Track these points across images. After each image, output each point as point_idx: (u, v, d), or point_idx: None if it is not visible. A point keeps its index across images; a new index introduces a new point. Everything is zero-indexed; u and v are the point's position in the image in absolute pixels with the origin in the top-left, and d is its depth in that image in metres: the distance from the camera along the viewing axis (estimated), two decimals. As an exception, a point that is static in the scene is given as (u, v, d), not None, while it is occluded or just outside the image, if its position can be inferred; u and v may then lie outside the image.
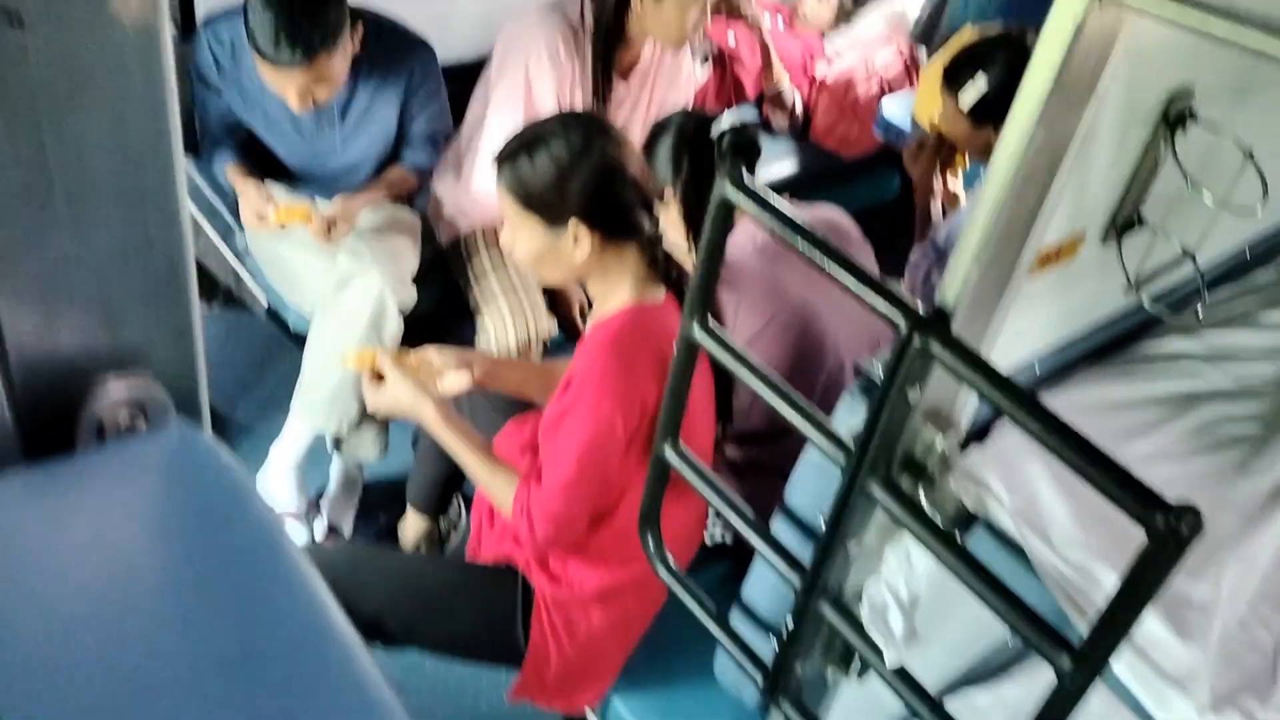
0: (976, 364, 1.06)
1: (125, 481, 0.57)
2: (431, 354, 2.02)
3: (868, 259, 2.33)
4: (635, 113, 2.74)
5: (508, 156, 1.79)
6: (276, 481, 2.48)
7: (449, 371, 2.02)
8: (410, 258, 2.52)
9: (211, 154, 2.52)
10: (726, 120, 2.11)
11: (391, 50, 2.42)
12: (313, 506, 2.50)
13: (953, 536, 1.16)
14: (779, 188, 3.51)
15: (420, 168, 2.60)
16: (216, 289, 3.17)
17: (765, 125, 3.66)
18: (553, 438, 1.75)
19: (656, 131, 2.21)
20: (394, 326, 2.37)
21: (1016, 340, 1.30)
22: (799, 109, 3.63)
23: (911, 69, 3.75)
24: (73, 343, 0.55)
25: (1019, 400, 1.03)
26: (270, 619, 0.52)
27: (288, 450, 2.47)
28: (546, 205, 1.75)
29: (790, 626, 1.39)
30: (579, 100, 2.59)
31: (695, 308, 1.34)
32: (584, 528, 1.80)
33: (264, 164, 2.57)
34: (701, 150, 2.16)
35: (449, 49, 2.85)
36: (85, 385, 0.56)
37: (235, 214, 2.70)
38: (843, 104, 3.61)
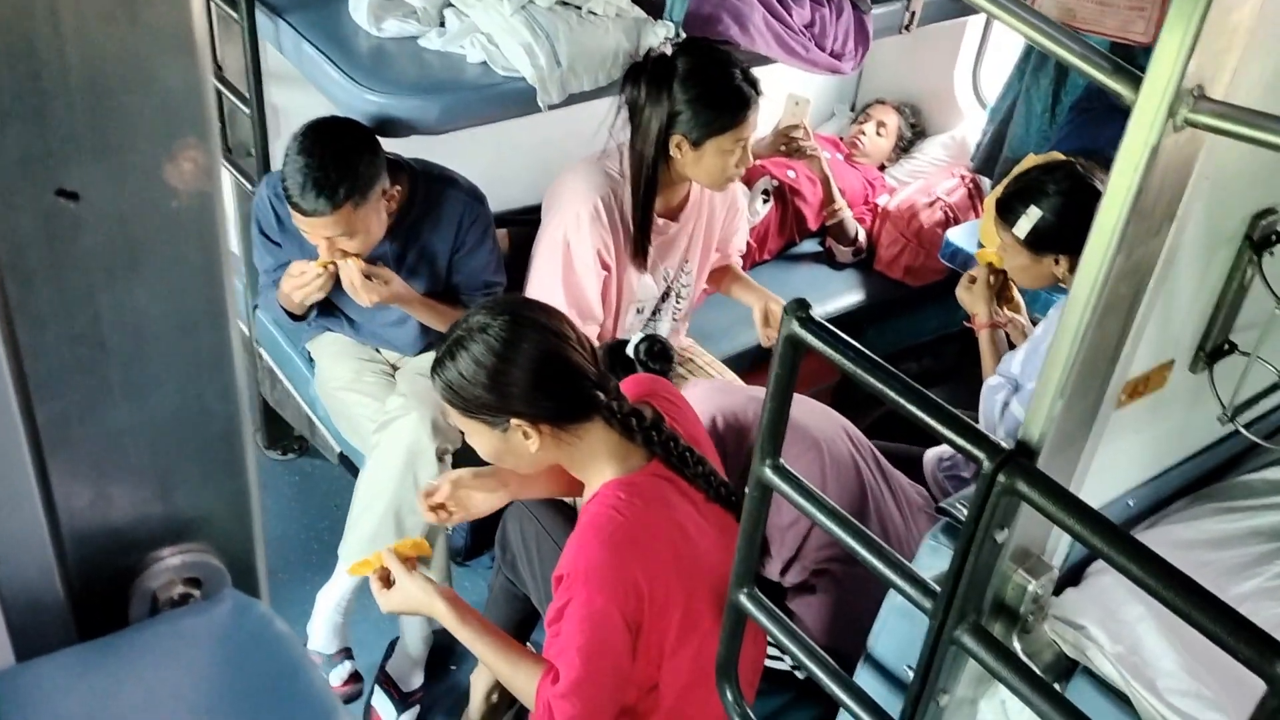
0: (1066, 501, 1.01)
1: (176, 656, 0.54)
2: (465, 475, 1.98)
3: None
4: (694, 245, 2.73)
5: (436, 365, 1.73)
6: (316, 622, 2.45)
7: (485, 493, 1.97)
8: None
9: (264, 297, 2.58)
10: (635, 338, 2.19)
11: (440, 199, 2.43)
12: (342, 653, 2.45)
13: (1051, 686, 1.09)
14: (846, 319, 3.50)
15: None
16: (292, 437, 3.22)
17: (829, 257, 3.66)
18: (555, 636, 1.68)
19: None
20: (430, 470, 2.33)
21: (1107, 474, 1.24)
22: (862, 239, 3.63)
23: (975, 195, 3.75)
24: (126, 515, 0.53)
25: (1115, 539, 0.97)
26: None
27: (331, 593, 2.45)
28: (484, 408, 1.69)
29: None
30: (626, 252, 2.58)
31: (766, 450, 1.30)
32: (614, 691, 1.71)
33: (323, 313, 2.60)
34: (619, 371, 2.17)
35: (506, 193, 2.90)
36: (139, 558, 0.55)
37: (308, 361, 2.75)
38: (906, 232, 3.61)
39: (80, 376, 0.48)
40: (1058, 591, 1.25)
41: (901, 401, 1.13)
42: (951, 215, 3.65)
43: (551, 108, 2.39)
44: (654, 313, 2.76)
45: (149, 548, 0.55)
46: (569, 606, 1.66)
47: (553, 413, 1.70)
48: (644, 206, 2.51)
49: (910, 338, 3.71)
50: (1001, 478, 1.05)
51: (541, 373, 1.68)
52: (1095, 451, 1.15)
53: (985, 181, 3.73)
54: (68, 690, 0.51)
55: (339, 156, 2.14)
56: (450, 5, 2.47)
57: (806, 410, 2.17)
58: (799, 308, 1.23)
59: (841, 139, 3.96)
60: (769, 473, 1.31)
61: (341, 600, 2.41)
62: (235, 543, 0.57)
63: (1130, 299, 1.04)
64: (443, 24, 2.46)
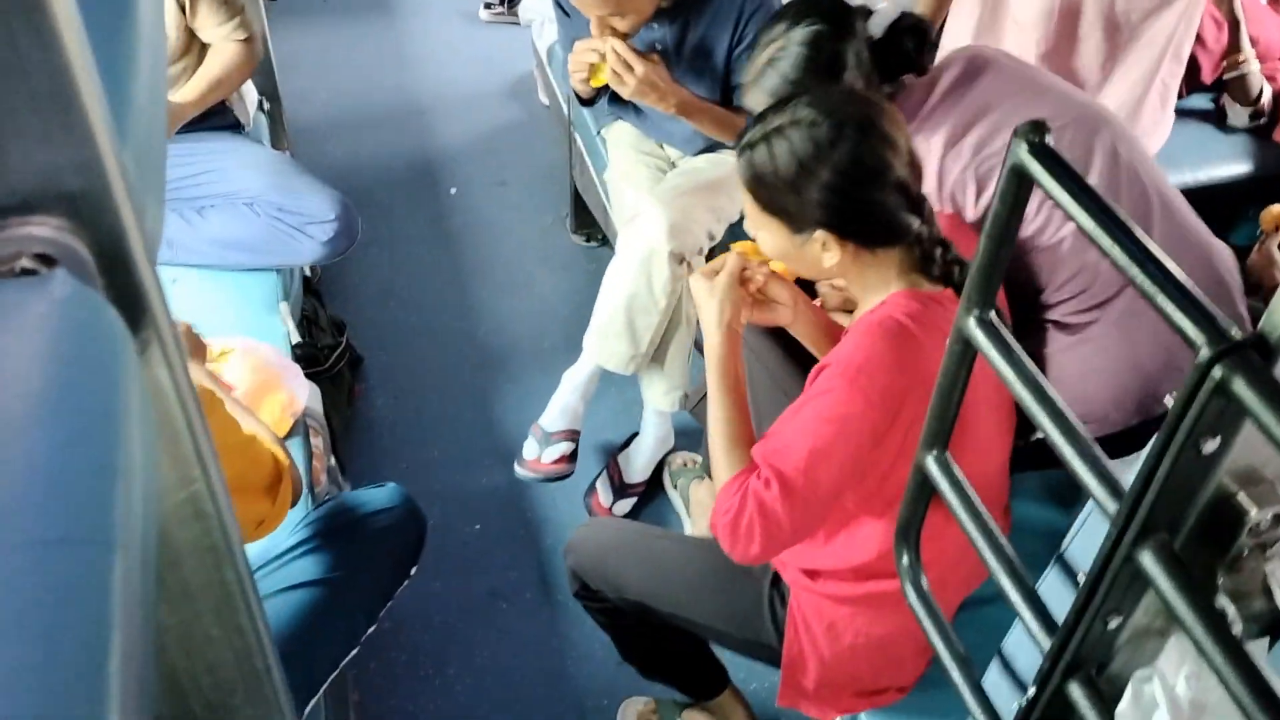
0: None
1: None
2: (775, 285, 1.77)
3: None
4: None
5: (746, 146, 1.56)
6: (554, 398, 2.52)
7: (782, 305, 1.78)
8: (705, 210, 2.39)
9: None
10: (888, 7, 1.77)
11: None
12: (565, 434, 2.49)
13: (1232, 636, 0.87)
14: (1227, 190, 2.99)
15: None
16: (596, 225, 3.25)
17: (1220, 117, 3.12)
18: (780, 431, 1.55)
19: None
20: (664, 273, 2.27)
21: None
22: (1267, 99, 3.04)
23: None
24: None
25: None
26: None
27: (573, 375, 2.51)
28: (785, 211, 1.54)
29: (1030, 697, 1.14)
30: None
31: (974, 298, 1.10)
32: (822, 508, 1.55)
33: (614, 100, 2.55)
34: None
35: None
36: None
37: (605, 148, 2.72)
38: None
39: None
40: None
41: (1124, 257, 0.91)
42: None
43: None
44: None
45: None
46: (819, 399, 1.51)
47: (861, 232, 1.55)
48: None
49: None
50: (1216, 372, 0.82)
51: (863, 185, 1.51)
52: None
53: None
54: None
55: None
56: None
57: None
58: (1033, 131, 1.00)
59: (1269, -24, 3.31)
60: (973, 325, 1.12)
61: (580, 384, 2.46)
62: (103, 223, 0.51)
63: None
64: None
